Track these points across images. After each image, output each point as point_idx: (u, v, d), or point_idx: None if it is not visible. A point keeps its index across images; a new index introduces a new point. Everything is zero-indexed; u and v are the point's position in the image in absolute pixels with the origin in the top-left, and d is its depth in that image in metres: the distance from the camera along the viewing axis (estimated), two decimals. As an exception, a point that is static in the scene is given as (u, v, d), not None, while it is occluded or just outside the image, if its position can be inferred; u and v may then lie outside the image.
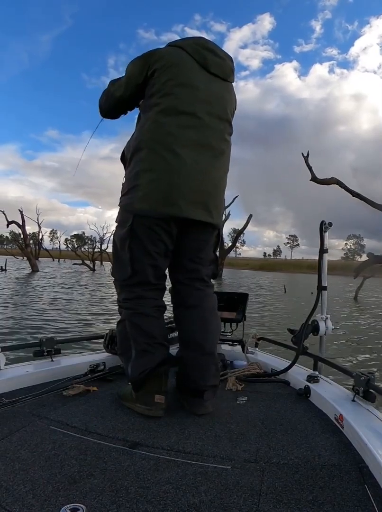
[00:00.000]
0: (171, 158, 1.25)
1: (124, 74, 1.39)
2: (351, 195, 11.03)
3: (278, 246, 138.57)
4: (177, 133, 1.27)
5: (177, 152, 1.26)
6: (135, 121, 1.44)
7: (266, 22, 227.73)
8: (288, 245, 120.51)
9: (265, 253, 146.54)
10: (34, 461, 0.92)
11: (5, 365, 1.47)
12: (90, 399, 1.36)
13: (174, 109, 1.28)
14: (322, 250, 1.74)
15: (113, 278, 1.41)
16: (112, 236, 1.44)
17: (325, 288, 1.72)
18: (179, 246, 1.37)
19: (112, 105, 1.44)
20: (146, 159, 1.27)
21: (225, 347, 2.05)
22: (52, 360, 1.60)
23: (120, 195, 1.37)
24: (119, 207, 1.37)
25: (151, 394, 1.24)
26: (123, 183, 1.37)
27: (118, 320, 1.39)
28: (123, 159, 1.43)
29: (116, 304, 1.44)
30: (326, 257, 1.75)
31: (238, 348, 1.98)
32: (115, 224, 1.39)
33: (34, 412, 1.22)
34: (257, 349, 2.02)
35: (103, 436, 1.08)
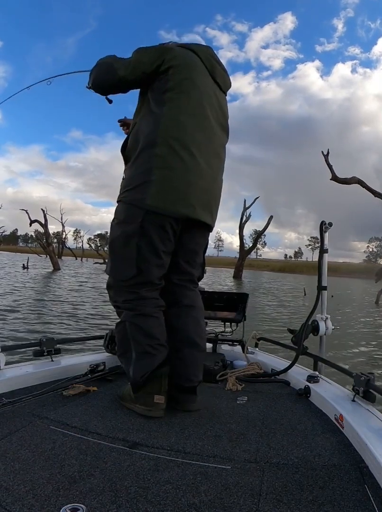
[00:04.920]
0: (188, 158, 1.26)
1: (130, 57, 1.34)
2: (373, 195, 10.97)
3: (299, 248, 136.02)
4: (193, 134, 1.29)
5: (193, 153, 1.27)
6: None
7: (288, 21, 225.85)
8: (310, 247, 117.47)
9: (286, 254, 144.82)
10: (34, 461, 0.92)
11: (5, 365, 1.46)
12: (90, 399, 1.36)
13: (192, 109, 1.30)
14: (322, 250, 1.75)
15: (111, 278, 1.34)
16: (111, 232, 1.35)
17: (325, 288, 1.73)
18: (178, 247, 1.36)
19: (110, 82, 1.35)
20: (162, 156, 1.25)
21: (225, 347, 2.05)
22: (52, 360, 1.60)
23: None
24: (120, 203, 1.32)
25: (151, 394, 1.24)
26: (126, 178, 1.33)
27: (117, 322, 1.35)
28: (125, 151, 1.38)
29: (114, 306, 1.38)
30: (326, 257, 1.76)
31: (238, 348, 1.98)
32: (114, 220, 1.33)
33: (34, 412, 1.22)
34: (257, 349, 2.02)
35: (103, 436, 1.08)
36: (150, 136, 1.27)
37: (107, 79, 1.36)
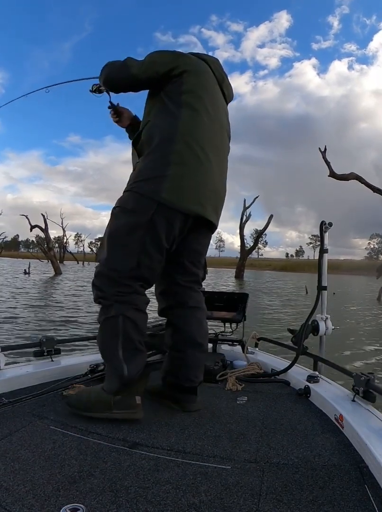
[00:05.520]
0: (204, 158, 1.29)
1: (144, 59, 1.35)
2: (372, 191, 10.97)
3: (300, 246, 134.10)
4: (209, 136, 1.33)
5: (208, 154, 1.31)
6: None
7: (283, 19, 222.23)
8: (311, 245, 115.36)
9: (287, 253, 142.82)
10: (34, 461, 0.92)
11: (5, 365, 1.47)
12: None
13: (207, 113, 1.33)
14: (322, 250, 1.75)
15: (105, 267, 1.24)
16: (112, 220, 1.28)
17: (325, 288, 1.73)
18: (182, 246, 1.35)
19: (122, 79, 1.36)
20: (179, 152, 1.25)
21: (225, 347, 2.05)
22: (52, 360, 1.60)
23: None
24: (130, 192, 1.27)
25: (132, 396, 1.20)
26: (139, 169, 1.30)
27: (104, 317, 1.23)
28: (137, 143, 1.38)
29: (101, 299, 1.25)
30: (326, 257, 1.76)
31: (238, 348, 1.98)
32: (117, 208, 1.28)
33: (34, 412, 1.22)
34: (257, 349, 2.02)
35: (103, 436, 1.09)
36: (168, 133, 1.28)
37: (119, 76, 1.37)
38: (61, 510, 0.73)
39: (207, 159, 1.30)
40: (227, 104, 1.54)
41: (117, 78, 1.38)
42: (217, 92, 1.43)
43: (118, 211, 1.28)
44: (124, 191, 1.31)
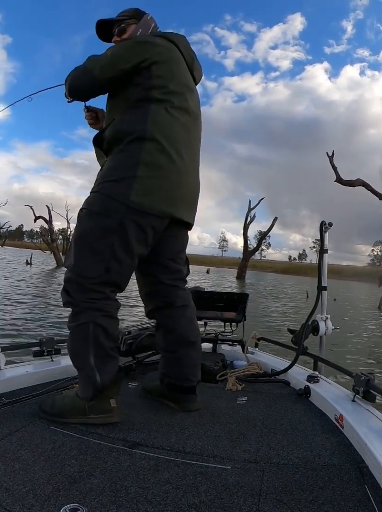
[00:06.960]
0: (177, 157, 1.23)
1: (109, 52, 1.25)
2: (378, 198, 10.98)
3: (304, 249, 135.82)
4: (181, 133, 1.26)
5: (181, 153, 1.25)
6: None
7: (297, 22, 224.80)
8: (314, 249, 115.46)
9: (290, 256, 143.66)
10: (34, 461, 0.92)
11: (5, 365, 1.47)
12: None
13: (178, 108, 1.26)
14: (322, 250, 1.76)
15: (73, 273, 1.18)
16: (79, 223, 1.22)
17: (325, 288, 1.73)
18: (161, 246, 1.31)
19: (85, 85, 1.27)
20: (150, 152, 1.19)
21: (225, 347, 2.05)
22: (52, 360, 1.60)
23: None
24: (97, 193, 1.20)
25: (107, 399, 1.17)
26: (106, 168, 1.23)
27: (74, 324, 1.19)
28: (100, 141, 1.30)
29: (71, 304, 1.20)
30: (326, 257, 1.76)
31: (238, 348, 1.98)
32: (84, 210, 1.21)
33: (34, 412, 1.21)
34: (257, 349, 2.03)
35: (103, 436, 1.09)
36: (138, 131, 1.20)
37: (82, 84, 1.27)
38: (61, 510, 0.73)
39: (180, 157, 1.24)
40: (195, 85, 1.43)
41: (79, 86, 1.28)
42: (188, 79, 1.35)
43: (85, 214, 1.21)
44: (90, 192, 1.24)
